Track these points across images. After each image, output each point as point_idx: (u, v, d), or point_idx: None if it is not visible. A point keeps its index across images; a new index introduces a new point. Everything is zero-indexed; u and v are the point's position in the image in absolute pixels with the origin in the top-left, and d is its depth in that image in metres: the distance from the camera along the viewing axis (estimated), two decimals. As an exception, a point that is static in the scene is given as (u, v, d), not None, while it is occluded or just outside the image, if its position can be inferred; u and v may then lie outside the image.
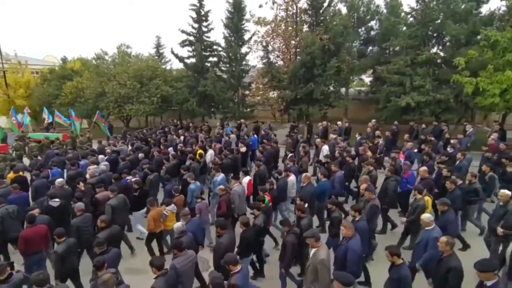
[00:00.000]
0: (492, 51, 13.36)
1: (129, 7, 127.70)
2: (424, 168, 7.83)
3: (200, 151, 10.50)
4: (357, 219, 5.47)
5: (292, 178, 7.84)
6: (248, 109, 22.03)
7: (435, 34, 18.34)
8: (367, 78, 27.99)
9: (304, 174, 7.53)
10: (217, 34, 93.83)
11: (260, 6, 19.98)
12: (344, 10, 21.29)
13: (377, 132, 12.34)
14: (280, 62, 21.17)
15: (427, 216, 5.27)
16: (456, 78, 13.60)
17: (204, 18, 21.33)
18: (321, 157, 10.68)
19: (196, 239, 5.50)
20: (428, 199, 6.45)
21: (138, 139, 13.80)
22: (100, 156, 10.23)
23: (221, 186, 7.00)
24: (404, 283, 4.26)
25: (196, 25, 21.42)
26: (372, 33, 22.58)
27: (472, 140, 12.42)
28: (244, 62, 21.56)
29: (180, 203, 6.77)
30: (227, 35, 21.15)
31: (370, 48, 23.05)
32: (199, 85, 20.57)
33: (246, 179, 7.89)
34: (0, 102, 24.85)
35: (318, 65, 17.82)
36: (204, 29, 21.57)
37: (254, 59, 46.15)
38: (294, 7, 19.75)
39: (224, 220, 5.68)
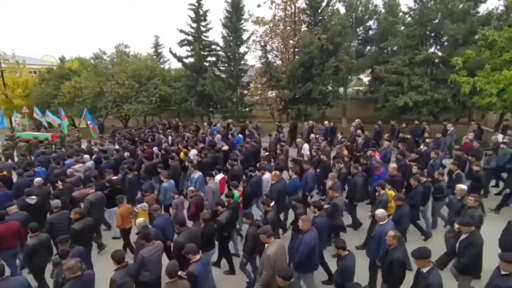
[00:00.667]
0: (489, 51, 13.40)
1: (128, 7, 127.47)
2: (393, 165, 8.13)
3: (184, 150, 10.73)
4: (316, 214, 5.70)
5: (267, 176, 7.97)
6: (247, 109, 22.09)
7: (433, 34, 18.41)
8: (365, 78, 28.02)
9: (273, 172, 7.74)
10: (216, 33, 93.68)
11: (259, 5, 20.06)
12: (342, 10, 21.34)
13: (358, 132, 12.58)
14: (279, 62, 21.23)
15: (380, 211, 5.46)
16: (453, 78, 13.64)
17: (202, 18, 21.36)
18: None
19: (164, 233, 5.74)
20: (391, 193, 6.66)
21: (125, 139, 13.91)
22: (86, 156, 10.38)
23: (191, 188, 7.18)
24: (346, 272, 4.53)
25: (194, 25, 21.45)
26: (371, 32, 22.60)
27: (455, 139, 12.65)
28: (242, 62, 21.61)
29: (151, 201, 6.91)
30: (226, 34, 21.19)
31: (369, 47, 23.07)
32: (197, 85, 20.60)
33: (219, 177, 8.14)
34: (-2, 101, 24.80)
35: (317, 65, 17.87)
36: (202, 28, 21.60)
37: (252, 58, 46.15)
38: (293, 7, 19.83)
39: (183, 217, 5.85)
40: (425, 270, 3.98)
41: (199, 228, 5.68)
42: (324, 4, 19.43)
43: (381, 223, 5.36)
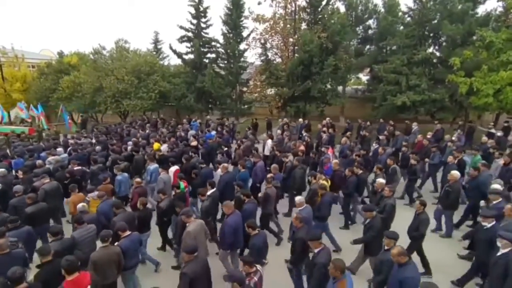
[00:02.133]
0: (487, 52, 13.59)
1: (128, 2, 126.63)
2: (336, 161, 8.86)
3: (156, 144, 11.37)
4: (246, 201, 6.48)
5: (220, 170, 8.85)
6: (246, 106, 22.17)
7: (431, 34, 18.53)
8: (364, 77, 28.16)
9: (222, 165, 8.41)
10: (216, 30, 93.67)
11: (259, 3, 20.12)
12: (342, 9, 21.45)
13: (324, 129, 13.78)
14: (278, 60, 21.30)
15: (298, 198, 6.40)
16: (451, 78, 13.82)
17: (202, 14, 21.34)
18: (266, 151, 11.80)
19: (107, 217, 6.31)
20: (324, 182, 7.25)
21: (102, 133, 14.71)
22: (59, 149, 11.11)
23: (138, 179, 7.70)
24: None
25: (194, 21, 21.43)
26: (370, 32, 22.72)
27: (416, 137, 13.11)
28: (242, 59, 21.66)
29: (107, 190, 7.33)
30: (226, 31, 21.22)
31: (368, 46, 23.20)
32: (197, 81, 20.62)
33: (173, 168, 8.77)
34: (-4, 95, 24.75)
35: (316, 63, 17.96)
36: (202, 25, 21.59)
37: (252, 56, 46.08)
38: (293, 5, 19.88)
39: (119, 202, 6.62)
40: (316, 250, 4.62)
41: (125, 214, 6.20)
42: (324, 2, 19.47)
43: (299, 208, 6.20)
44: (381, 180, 7.27)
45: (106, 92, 20.47)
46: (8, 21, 78.46)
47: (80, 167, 9.06)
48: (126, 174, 8.49)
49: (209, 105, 22.18)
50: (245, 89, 22.58)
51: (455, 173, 7.29)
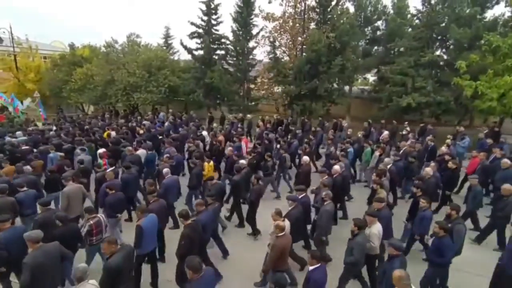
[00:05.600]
0: (493, 56, 13.72)
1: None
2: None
3: (107, 132, 13.33)
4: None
5: (140, 151, 10.25)
6: (253, 103, 22.52)
7: (439, 37, 18.73)
8: (371, 77, 28.32)
9: (127, 148, 10.04)
10: (226, 27, 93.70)
11: (270, 2, 20.30)
12: (351, 9, 21.61)
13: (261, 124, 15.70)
14: (286, 58, 21.55)
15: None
16: (456, 81, 13.99)
17: (213, 11, 21.69)
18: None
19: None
20: (209, 166, 9.02)
21: (67, 122, 17.27)
22: (18, 132, 12.87)
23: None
24: None
25: (205, 18, 21.78)
26: (378, 33, 22.90)
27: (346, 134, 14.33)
28: (250, 56, 21.98)
29: (38, 166, 8.72)
30: (236, 29, 21.55)
31: (376, 47, 23.39)
32: (206, 77, 20.97)
33: (101, 150, 10.19)
34: (10, 85, 25.38)
35: (323, 63, 18.20)
36: (213, 22, 21.94)
37: (260, 53, 46.18)
38: (303, 5, 20.07)
39: (56, 177, 7.89)
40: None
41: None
42: (333, 3, 19.69)
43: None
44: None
45: (117, 85, 20.96)
46: (22, 11, 79.47)
47: (27, 147, 10.69)
48: (58, 153, 9.87)
49: (217, 101, 22.56)
50: (252, 86, 22.91)
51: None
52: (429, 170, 8.18)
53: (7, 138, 12.29)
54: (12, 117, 18.90)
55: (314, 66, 18.47)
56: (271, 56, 20.73)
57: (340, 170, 8.21)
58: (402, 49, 18.99)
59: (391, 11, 21.53)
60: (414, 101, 16.45)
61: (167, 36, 28.41)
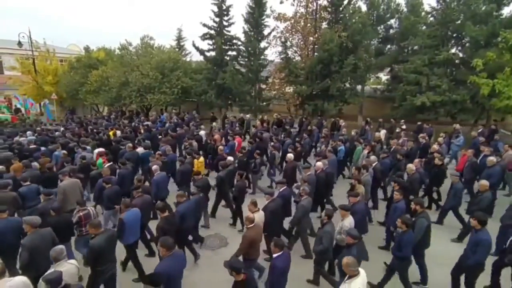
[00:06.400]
0: (510, 54, 13.39)
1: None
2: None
3: (113, 131, 13.98)
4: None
5: (139, 149, 10.82)
6: (265, 103, 22.61)
7: (454, 35, 18.35)
8: (384, 76, 28.02)
9: (127, 145, 10.54)
10: (237, 28, 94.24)
11: (281, 2, 20.42)
12: (364, 8, 21.45)
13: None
14: (298, 58, 21.57)
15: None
16: (472, 79, 13.72)
17: (225, 13, 21.88)
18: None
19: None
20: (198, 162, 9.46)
21: (73, 122, 18.34)
22: (28, 132, 13.78)
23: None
24: None
25: (217, 19, 21.99)
26: (391, 31, 22.64)
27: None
28: (262, 57, 22.04)
29: (45, 163, 9.04)
30: (247, 29, 21.66)
31: (389, 46, 23.12)
32: (217, 78, 21.18)
33: (96, 150, 10.74)
34: (29, 87, 26.24)
35: (335, 62, 18.14)
36: (224, 23, 22.13)
37: (272, 54, 46.35)
38: (314, 4, 20.09)
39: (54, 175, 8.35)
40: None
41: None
42: (345, 2, 19.59)
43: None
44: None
45: (131, 87, 21.37)
46: (38, 15, 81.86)
47: (35, 146, 11.41)
48: (61, 151, 10.43)
49: (229, 101, 22.73)
50: (264, 86, 22.99)
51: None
52: (411, 166, 8.27)
53: (16, 138, 13.12)
54: (24, 118, 20.28)
55: (326, 66, 18.42)
56: (282, 56, 20.78)
57: (322, 167, 8.40)
58: (416, 47, 18.71)
59: (405, 9, 21.25)
60: (429, 100, 16.21)
61: (179, 38, 28.81)
